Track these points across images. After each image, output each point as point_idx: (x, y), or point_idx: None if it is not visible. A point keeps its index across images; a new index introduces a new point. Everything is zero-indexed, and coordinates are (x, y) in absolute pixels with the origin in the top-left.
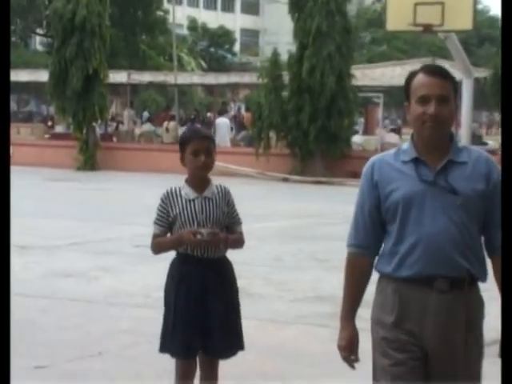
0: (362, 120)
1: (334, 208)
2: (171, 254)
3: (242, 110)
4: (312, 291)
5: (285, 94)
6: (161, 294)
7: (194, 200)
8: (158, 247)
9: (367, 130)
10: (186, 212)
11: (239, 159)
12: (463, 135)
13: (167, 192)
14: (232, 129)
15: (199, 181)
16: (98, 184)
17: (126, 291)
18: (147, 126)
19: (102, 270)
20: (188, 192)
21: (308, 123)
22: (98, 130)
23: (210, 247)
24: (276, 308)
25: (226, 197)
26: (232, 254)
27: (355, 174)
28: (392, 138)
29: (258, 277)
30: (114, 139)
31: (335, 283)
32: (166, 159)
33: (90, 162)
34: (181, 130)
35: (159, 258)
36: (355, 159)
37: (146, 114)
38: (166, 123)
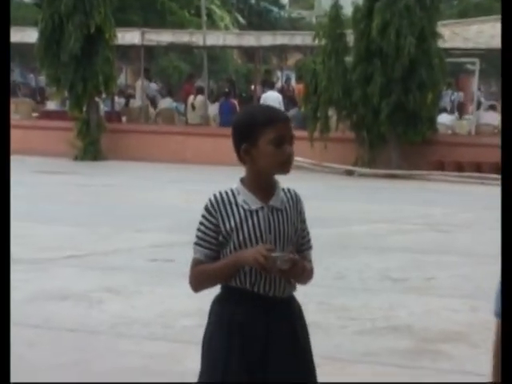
0: (450, 93)
1: (412, 210)
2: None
3: (292, 81)
4: (384, 320)
5: (349, 59)
6: (185, 323)
7: (257, 211)
8: (201, 278)
9: (459, 108)
10: (245, 228)
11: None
12: None
13: (216, 198)
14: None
15: (266, 183)
16: (103, 178)
17: (139, 319)
18: (167, 102)
19: (108, 292)
20: (248, 199)
21: (379, 98)
22: (103, 107)
23: (281, 281)
24: (337, 342)
25: (297, 206)
26: None
27: (441, 166)
28: (491, 117)
29: (313, 301)
30: (124, 119)
31: (414, 309)
32: (191, 145)
33: (91, 150)
34: (212, 108)
35: (183, 275)
36: (442, 146)
37: (153, 86)
38: (191, 98)
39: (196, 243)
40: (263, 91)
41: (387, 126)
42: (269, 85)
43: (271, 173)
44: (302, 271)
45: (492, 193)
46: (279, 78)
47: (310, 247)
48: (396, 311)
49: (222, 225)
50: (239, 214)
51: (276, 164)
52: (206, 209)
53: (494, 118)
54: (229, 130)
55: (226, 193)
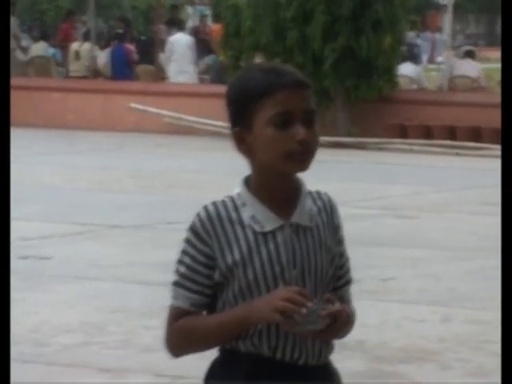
0: (414, 36)
1: (365, 190)
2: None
3: (208, 21)
4: None
5: None
6: (64, 341)
7: (274, 234)
8: (188, 338)
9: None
10: (257, 261)
11: (202, 105)
12: None
13: (209, 215)
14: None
15: (282, 187)
16: None
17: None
18: (40, 48)
19: None
20: (260, 214)
21: (321, 42)
22: None
23: (315, 342)
24: None
25: (333, 219)
26: None
27: (404, 131)
28: (468, 67)
29: None
30: None
31: (367, 320)
32: (73, 105)
33: None
34: (101, 56)
35: (63, 277)
36: (404, 105)
37: (13, 22)
38: (75, 45)
39: (177, 283)
40: (169, 33)
41: (332, 79)
42: (177, 25)
43: (278, 170)
44: (344, 325)
45: (470, 166)
46: (190, 17)
47: (349, 281)
48: None
49: (220, 257)
50: (247, 239)
51: (280, 155)
52: (194, 231)
53: (471, 68)
54: (123, 84)
55: (225, 205)
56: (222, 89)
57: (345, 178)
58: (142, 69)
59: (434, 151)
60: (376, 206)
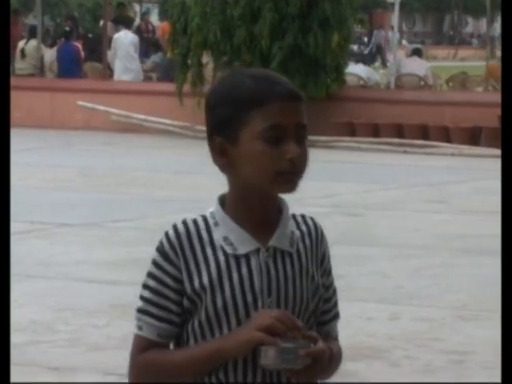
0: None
1: (314, 188)
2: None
3: (154, 19)
4: None
5: None
6: (13, 339)
7: (247, 257)
8: (155, 374)
9: (374, 53)
10: (227, 287)
11: (151, 103)
12: None
13: (177, 234)
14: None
15: (262, 207)
16: None
17: None
18: None
19: None
20: (233, 235)
21: (269, 40)
22: None
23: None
24: None
25: (319, 246)
26: None
27: (352, 129)
28: (415, 65)
29: None
30: None
31: None
32: (20, 103)
33: None
34: (48, 53)
35: (20, 273)
36: (352, 103)
37: None
38: (21, 43)
39: (142, 310)
40: (117, 31)
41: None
42: (124, 22)
43: (263, 189)
44: (327, 365)
45: (417, 164)
46: (137, 14)
47: (336, 315)
48: None
49: (186, 280)
50: (217, 261)
51: (268, 174)
52: (161, 251)
53: (419, 67)
54: (70, 82)
55: (195, 223)
56: (169, 87)
57: None
58: (89, 66)
59: (382, 149)
60: (325, 203)
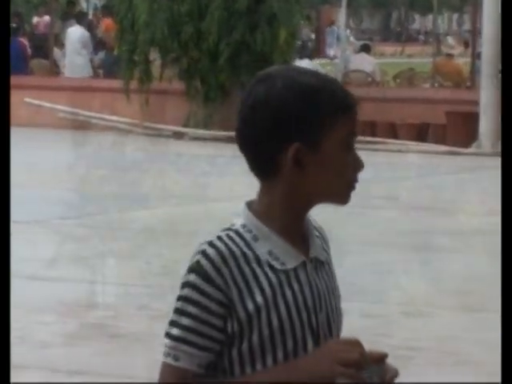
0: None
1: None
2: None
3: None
4: None
5: None
6: None
7: (296, 271)
8: None
9: (321, 49)
10: (282, 305)
11: (100, 99)
12: None
13: (221, 253)
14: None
15: (301, 219)
16: None
17: None
18: None
19: None
20: (277, 249)
21: (217, 37)
22: None
23: None
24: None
25: (329, 248)
26: None
27: None
28: (363, 61)
29: (131, 305)
30: None
31: None
32: None
33: None
34: None
35: None
36: None
37: None
38: None
39: (180, 339)
40: (65, 27)
41: (228, 74)
42: (73, 18)
43: (338, 199)
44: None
45: (365, 160)
46: (86, 10)
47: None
48: None
49: (238, 302)
50: (268, 278)
51: (348, 184)
52: (201, 273)
53: (366, 63)
54: (17, 79)
55: (231, 239)
56: (116, 83)
57: (241, 172)
58: (36, 63)
59: None
60: None
